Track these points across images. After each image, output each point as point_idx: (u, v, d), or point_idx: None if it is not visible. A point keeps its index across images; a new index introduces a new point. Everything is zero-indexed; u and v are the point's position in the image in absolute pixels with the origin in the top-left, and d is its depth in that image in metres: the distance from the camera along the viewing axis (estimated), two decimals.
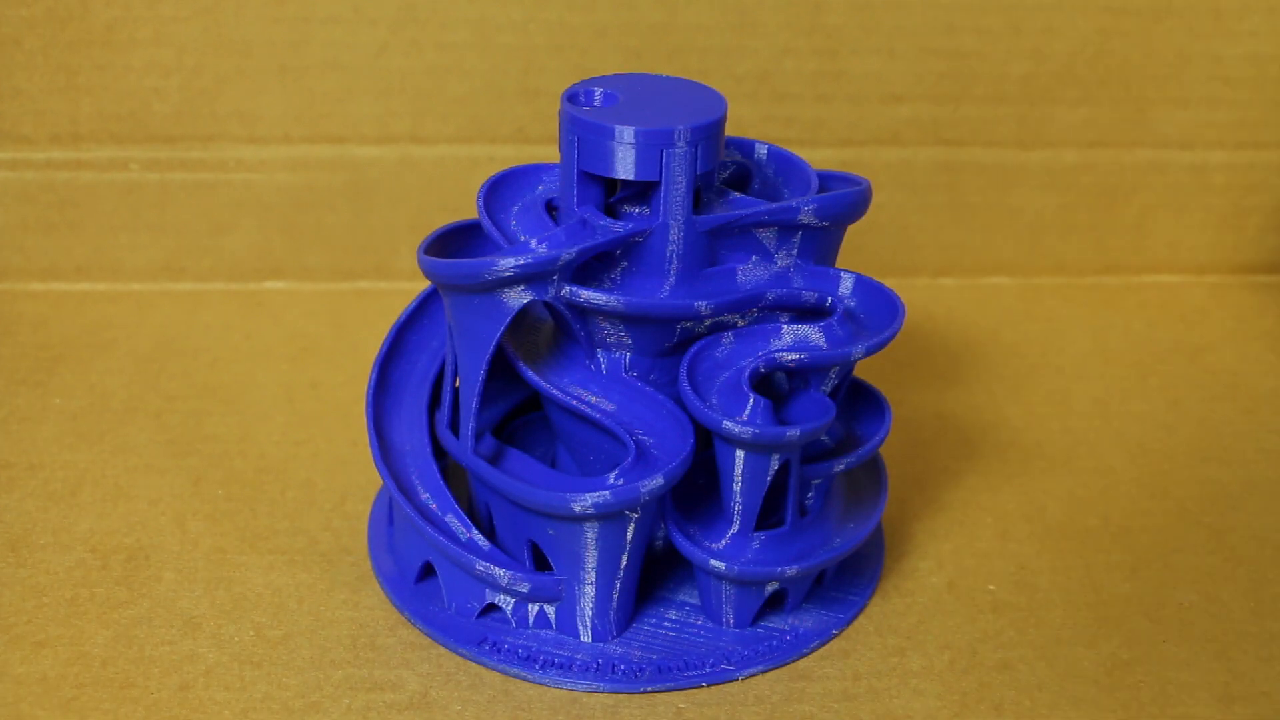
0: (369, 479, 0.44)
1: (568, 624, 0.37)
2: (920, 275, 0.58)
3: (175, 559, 0.40)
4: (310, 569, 0.40)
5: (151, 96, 0.53)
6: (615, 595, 0.37)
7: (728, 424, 0.34)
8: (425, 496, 0.38)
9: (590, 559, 0.36)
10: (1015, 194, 0.57)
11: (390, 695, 0.35)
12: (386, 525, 0.41)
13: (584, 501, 0.34)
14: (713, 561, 0.36)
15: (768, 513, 0.38)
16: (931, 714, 0.36)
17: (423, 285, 0.56)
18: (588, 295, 0.34)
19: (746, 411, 0.34)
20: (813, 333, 0.36)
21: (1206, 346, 0.54)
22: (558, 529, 0.36)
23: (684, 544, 0.36)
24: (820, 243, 0.37)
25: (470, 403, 0.36)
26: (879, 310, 0.37)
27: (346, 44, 0.52)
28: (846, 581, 0.40)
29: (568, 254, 0.33)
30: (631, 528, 0.35)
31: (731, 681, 0.36)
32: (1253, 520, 0.44)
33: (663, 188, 0.34)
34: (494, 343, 0.35)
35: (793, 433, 0.34)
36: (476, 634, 0.37)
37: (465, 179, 0.55)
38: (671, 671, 0.36)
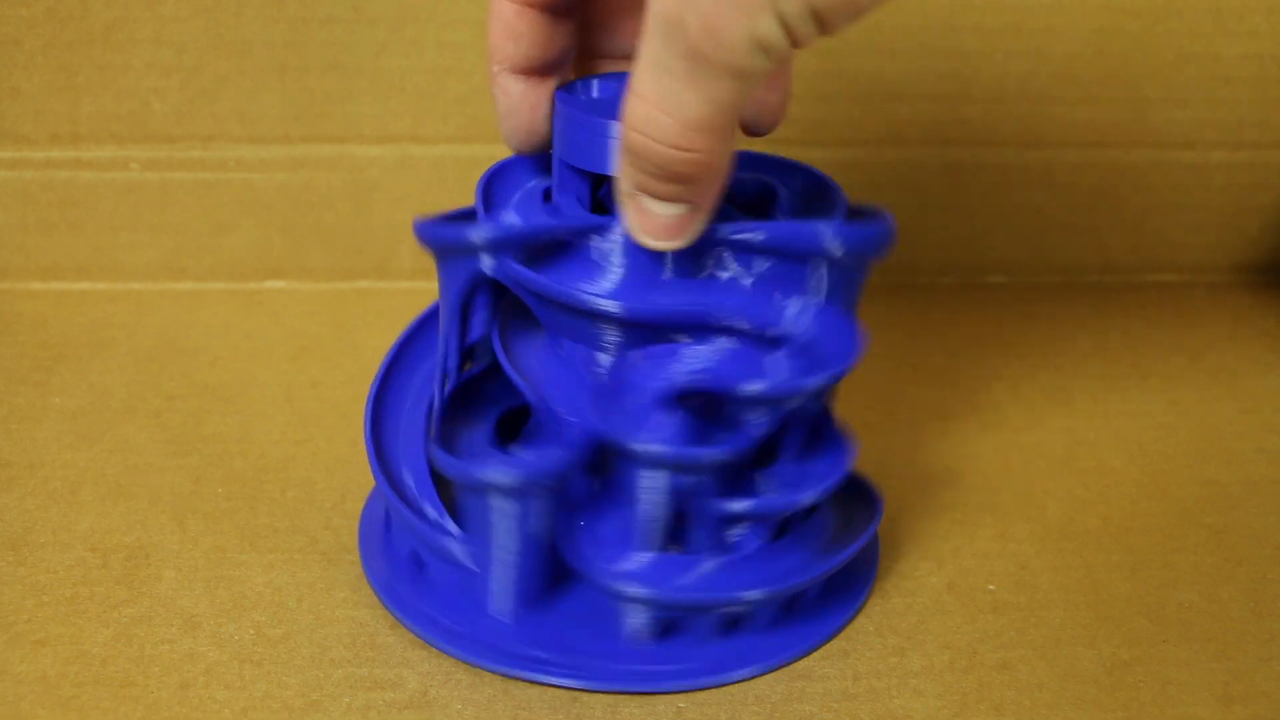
0: (369, 478, 0.44)
1: (478, 593, 0.37)
2: (920, 275, 0.58)
3: (175, 558, 0.40)
4: (310, 568, 0.40)
5: (151, 96, 0.53)
6: (515, 573, 0.37)
7: (632, 442, 0.34)
8: (410, 483, 0.39)
9: (494, 533, 0.36)
10: (1015, 194, 0.57)
11: (390, 694, 0.35)
12: (382, 529, 0.41)
13: (486, 473, 0.34)
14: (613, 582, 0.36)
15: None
16: (931, 714, 0.36)
17: (422, 284, 0.57)
18: (525, 276, 0.35)
19: (650, 430, 0.34)
20: (727, 358, 0.35)
21: (1206, 346, 0.55)
22: (470, 499, 0.36)
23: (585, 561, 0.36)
24: (787, 272, 0.36)
25: (446, 369, 0.37)
26: (837, 341, 0.36)
27: (346, 44, 0.52)
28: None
29: (506, 233, 0.34)
30: (532, 506, 0.35)
31: (732, 683, 0.36)
32: (1253, 520, 0.44)
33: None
34: (459, 300, 0.36)
35: (660, 450, 0.34)
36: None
37: (465, 179, 0.55)
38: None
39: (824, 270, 0.36)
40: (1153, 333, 0.55)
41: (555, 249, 0.36)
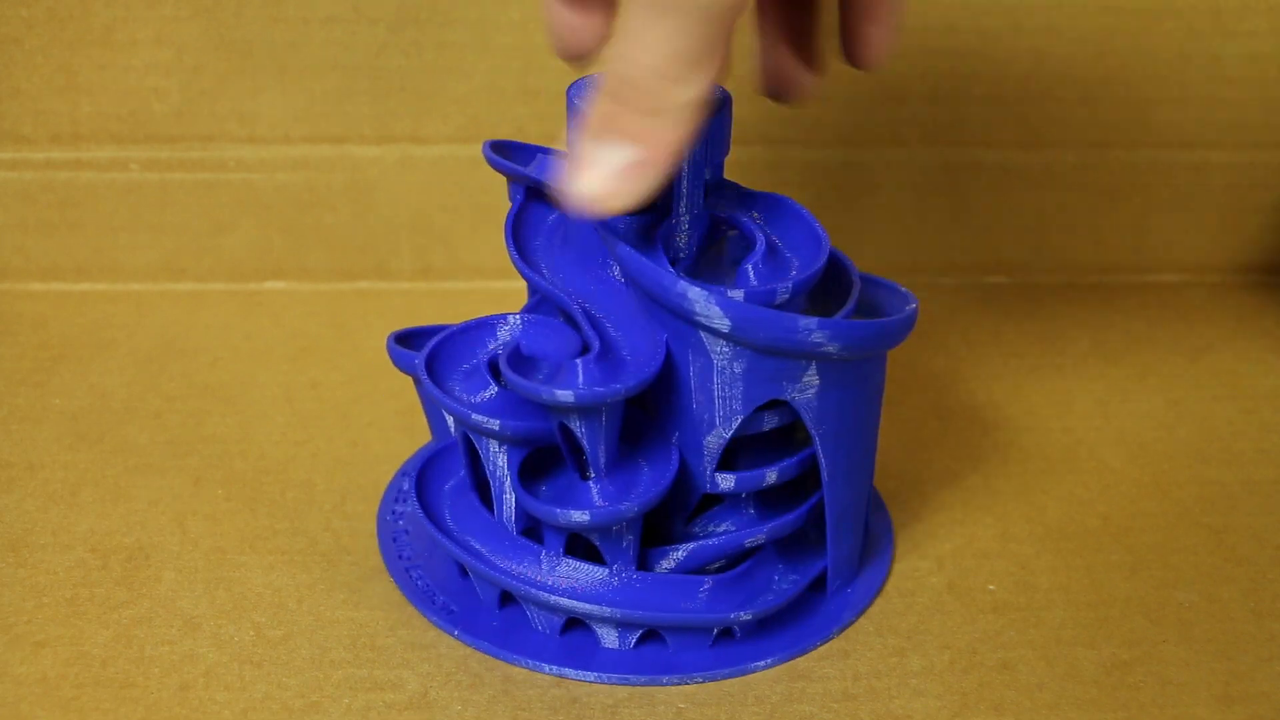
0: (369, 479, 0.44)
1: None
2: (920, 275, 0.58)
3: (175, 559, 0.40)
4: (310, 569, 0.40)
5: (151, 96, 0.53)
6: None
7: (461, 407, 0.35)
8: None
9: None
10: (1015, 194, 0.57)
11: (390, 695, 0.35)
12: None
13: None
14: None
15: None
16: (931, 714, 0.36)
17: (421, 284, 0.57)
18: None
19: (463, 398, 0.35)
20: (533, 334, 0.36)
21: (1206, 346, 0.54)
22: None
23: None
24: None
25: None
26: (647, 349, 0.35)
27: (346, 44, 0.52)
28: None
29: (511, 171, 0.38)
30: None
31: (732, 678, 0.36)
32: (1253, 520, 0.44)
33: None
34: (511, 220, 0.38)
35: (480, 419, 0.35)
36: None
37: (465, 179, 0.55)
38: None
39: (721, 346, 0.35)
40: (1153, 333, 0.55)
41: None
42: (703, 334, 0.34)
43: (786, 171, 0.55)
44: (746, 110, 0.54)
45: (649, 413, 0.37)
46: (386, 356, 0.40)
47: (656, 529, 0.38)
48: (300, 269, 0.56)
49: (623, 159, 0.32)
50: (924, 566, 0.41)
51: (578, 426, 0.34)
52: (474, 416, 0.35)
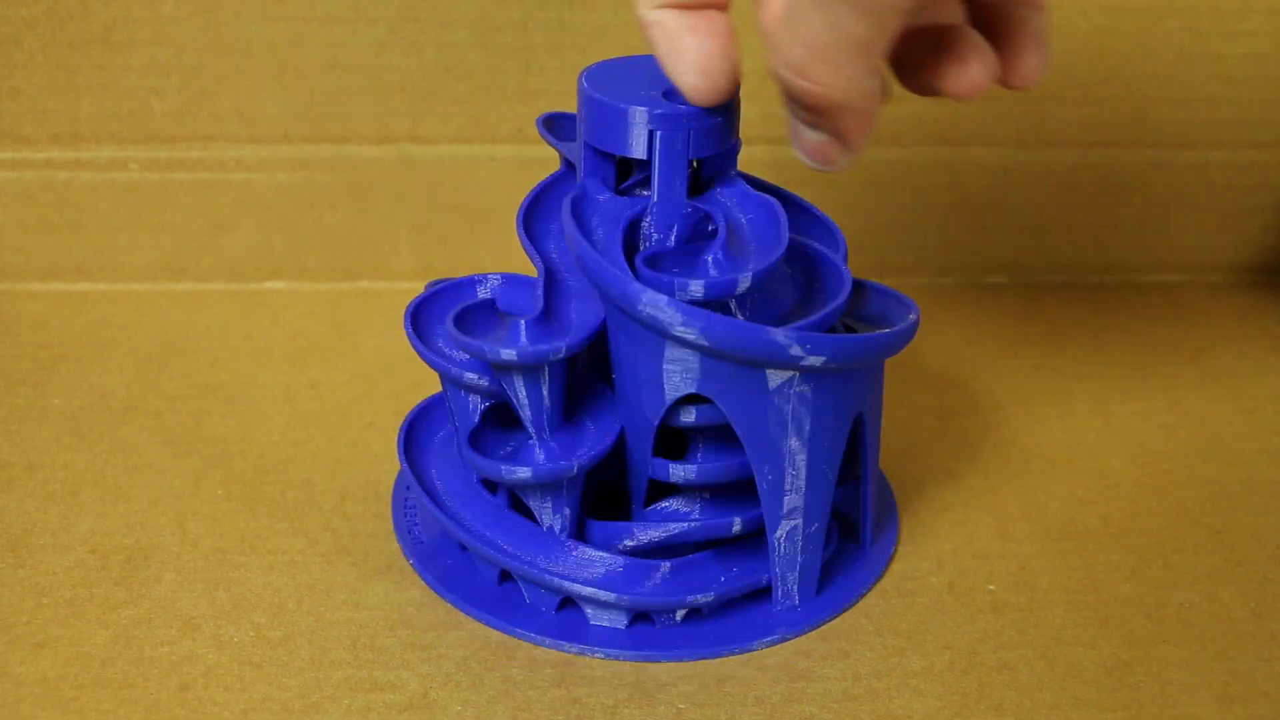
0: (369, 479, 0.44)
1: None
2: (920, 275, 0.58)
3: (175, 559, 0.40)
4: (310, 570, 0.40)
5: (151, 96, 0.53)
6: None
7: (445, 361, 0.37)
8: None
9: None
10: (1015, 194, 0.57)
11: (390, 696, 0.35)
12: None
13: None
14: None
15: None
16: (931, 714, 0.36)
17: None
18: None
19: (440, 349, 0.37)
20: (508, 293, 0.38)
21: (1206, 346, 0.54)
22: None
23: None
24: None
25: None
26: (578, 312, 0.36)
27: (346, 44, 0.52)
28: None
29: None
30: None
31: (731, 679, 0.36)
32: (1253, 520, 0.44)
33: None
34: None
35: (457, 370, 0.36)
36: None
37: (465, 179, 0.55)
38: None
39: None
40: (1153, 333, 0.55)
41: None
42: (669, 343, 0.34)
43: (787, 171, 0.55)
44: (746, 109, 0.54)
45: (611, 386, 0.37)
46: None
47: (621, 512, 0.38)
48: (300, 269, 0.56)
49: (810, 136, 0.33)
50: (924, 566, 0.41)
51: (520, 384, 0.35)
52: (453, 370, 0.36)
